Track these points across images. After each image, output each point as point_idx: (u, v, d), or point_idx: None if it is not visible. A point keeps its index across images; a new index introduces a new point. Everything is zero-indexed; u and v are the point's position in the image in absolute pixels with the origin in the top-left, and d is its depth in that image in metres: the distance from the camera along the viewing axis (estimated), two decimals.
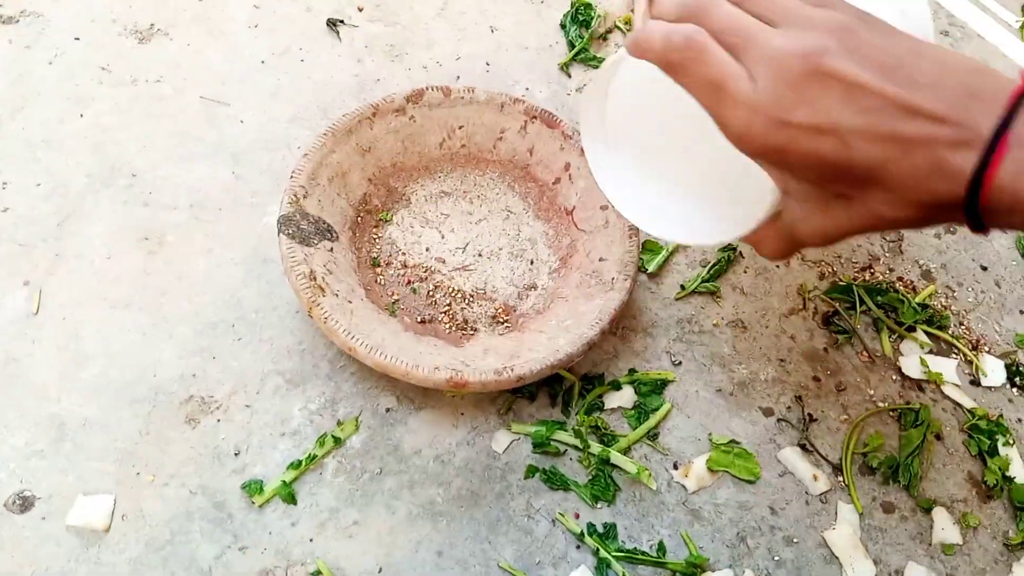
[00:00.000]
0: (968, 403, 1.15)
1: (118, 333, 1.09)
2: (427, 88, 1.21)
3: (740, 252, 1.26)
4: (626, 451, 1.06)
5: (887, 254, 1.29)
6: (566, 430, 1.07)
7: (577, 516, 1.02)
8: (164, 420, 1.04)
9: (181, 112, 1.31)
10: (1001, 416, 1.14)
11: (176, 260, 1.16)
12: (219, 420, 1.05)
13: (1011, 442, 1.12)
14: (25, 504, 0.97)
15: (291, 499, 1.00)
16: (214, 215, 1.20)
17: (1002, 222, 0.56)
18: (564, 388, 1.11)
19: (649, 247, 1.23)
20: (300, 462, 1.01)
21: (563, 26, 1.52)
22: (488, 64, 1.45)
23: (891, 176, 0.57)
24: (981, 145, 0.53)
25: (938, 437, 1.12)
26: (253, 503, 0.99)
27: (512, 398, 1.09)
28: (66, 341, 1.08)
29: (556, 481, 1.04)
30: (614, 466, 1.05)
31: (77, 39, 1.36)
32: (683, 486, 1.05)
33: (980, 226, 0.57)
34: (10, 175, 1.20)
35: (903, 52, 0.58)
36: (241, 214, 1.21)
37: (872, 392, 1.15)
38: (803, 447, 1.10)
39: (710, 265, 1.23)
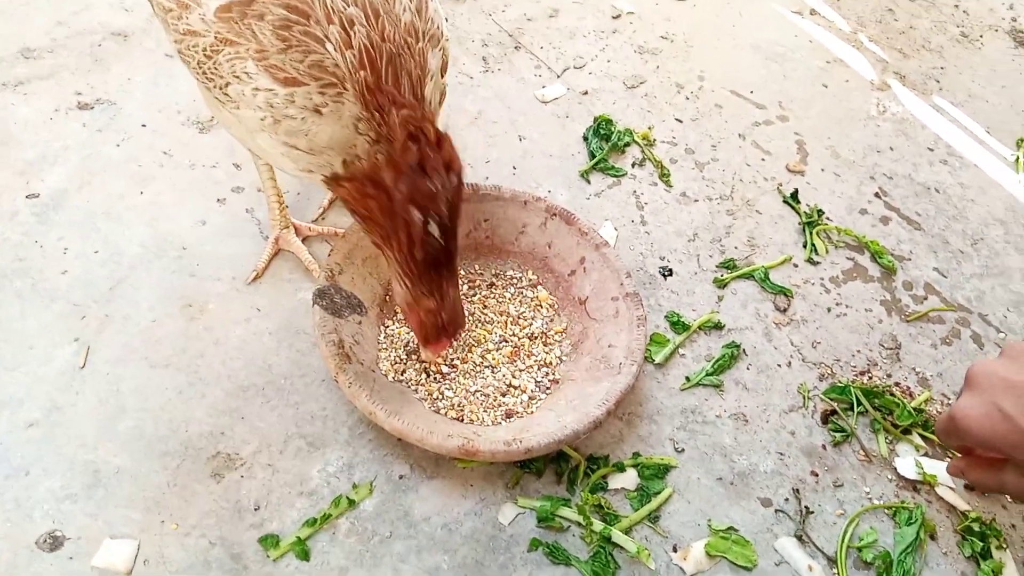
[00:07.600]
0: (962, 505, 1.18)
1: (155, 390, 1.17)
2: None
3: (744, 349, 1.33)
4: (627, 531, 1.11)
5: (885, 360, 1.35)
6: (570, 507, 1.11)
7: None
8: (191, 473, 1.10)
9: (234, 195, 1.43)
10: (994, 520, 1.17)
11: (215, 327, 1.25)
12: (242, 476, 1.10)
13: (1004, 546, 1.14)
14: (55, 543, 1.03)
15: (304, 555, 1.04)
16: (254, 288, 1.30)
17: None
18: (570, 467, 1.16)
19: (657, 339, 1.31)
20: (315, 520, 1.06)
21: (585, 138, 1.65)
22: (515, 168, 1.57)
23: None
24: None
25: (932, 537, 1.15)
26: (268, 556, 1.04)
27: (520, 473, 1.14)
28: (107, 395, 1.16)
29: (558, 556, 1.08)
30: (615, 545, 1.09)
31: (144, 126, 1.50)
32: (681, 569, 1.09)
33: None
34: (71, 241, 1.31)
35: None
36: (279, 288, 1.30)
37: (868, 490, 1.19)
38: (799, 538, 1.13)
39: (715, 360, 1.30)
